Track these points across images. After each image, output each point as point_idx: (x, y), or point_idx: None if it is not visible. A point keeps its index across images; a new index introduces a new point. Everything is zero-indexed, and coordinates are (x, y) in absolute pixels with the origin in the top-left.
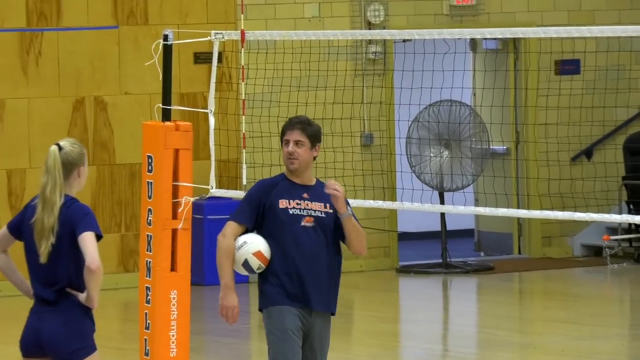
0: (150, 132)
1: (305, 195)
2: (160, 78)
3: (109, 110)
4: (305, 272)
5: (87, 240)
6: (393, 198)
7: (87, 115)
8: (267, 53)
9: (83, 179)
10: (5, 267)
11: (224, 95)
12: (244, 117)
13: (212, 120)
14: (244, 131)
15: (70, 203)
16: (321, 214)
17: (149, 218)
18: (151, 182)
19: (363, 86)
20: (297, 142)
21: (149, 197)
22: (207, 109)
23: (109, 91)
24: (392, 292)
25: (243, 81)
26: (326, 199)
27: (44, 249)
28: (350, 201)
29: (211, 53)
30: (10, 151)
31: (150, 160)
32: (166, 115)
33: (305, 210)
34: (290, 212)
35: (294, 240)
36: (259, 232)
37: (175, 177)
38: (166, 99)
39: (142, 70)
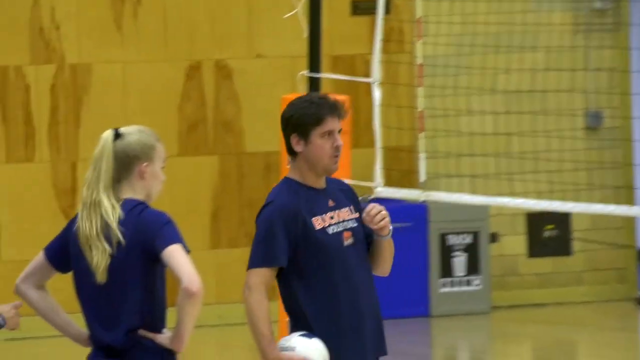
0: None
1: (330, 202)
2: (305, 35)
3: (235, 79)
4: (369, 316)
5: (177, 255)
6: (630, 201)
7: (204, 85)
8: (452, 0)
9: (151, 180)
10: (45, 307)
11: (392, 58)
12: (421, 89)
13: (377, 94)
14: (421, 108)
15: (140, 209)
16: (354, 222)
17: None
18: None
19: (586, 47)
20: (339, 132)
21: None
22: (369, 77)
23: (234, 53)
24: (630, 331)
25: (420, 40)
26: (345, 200)
27: (98, 262)
28: (572, 205)
29: (375, 1)
30: (99, 132)
31: None
32: (314, 86)
33: (341, 225)
34: (330, 232)
35: (345, 271)
36: (289, 277)
37: None
38: (313, 63)
39: (280, 25)
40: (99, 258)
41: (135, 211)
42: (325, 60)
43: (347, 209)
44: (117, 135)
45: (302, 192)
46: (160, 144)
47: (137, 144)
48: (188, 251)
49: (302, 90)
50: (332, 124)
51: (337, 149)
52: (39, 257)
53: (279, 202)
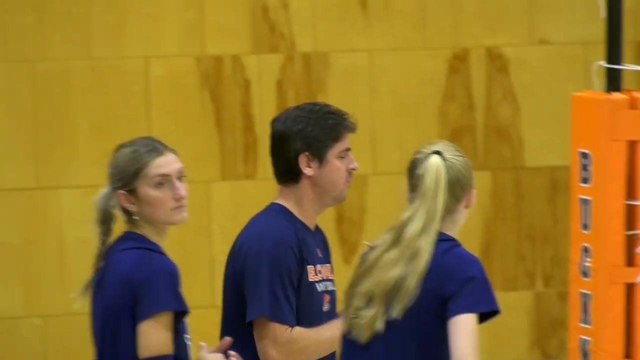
0: (584, 111)
1: (319, 252)
2: (603, 16)
3: (512, 73)
4: None
5: (467, 325)
6: None
7: (472, 81)
8: None
9: (467, 211)
10: None
11: None
12: None
13: None
14: None
15: (449, 247)
16: (332, 285)
17: (585, 264)
18: (587, 201)
19: None
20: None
21: (584, 228)
22: None
23: (511, 38)
24: None
25: None
26: (327, 253)
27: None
28: None
29: None
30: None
31: (585, 162)
32: (613, 82)
33: (323, 284)
34: (318, 289)
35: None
36: None
37: (632, 192)
38: (612, 51)
39: (569, 3)
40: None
41: (444, 250)
42: (627, 48)
43: (329, 265)
44: (442, 156)
45: (301, 229)
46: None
47: (464, 165)
48: (497, 311)
49: (598, 85)
50: (345, 140)
51: (351, 171)
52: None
53: (281, 234)
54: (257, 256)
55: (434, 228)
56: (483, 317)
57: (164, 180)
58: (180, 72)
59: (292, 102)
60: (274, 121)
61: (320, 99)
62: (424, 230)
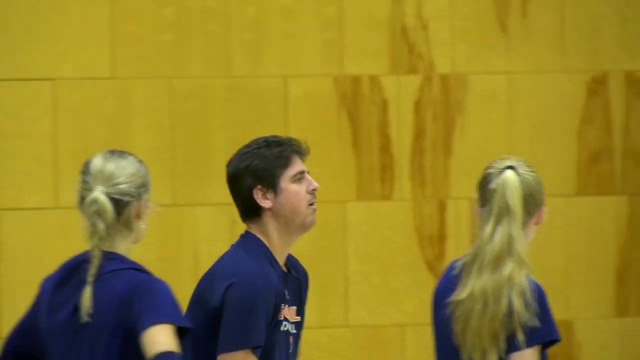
0: None
1: (286, 292)
2: None
3: None
4: None
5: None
6: None
7: (611, 104)
8: None
9: (536, 228)
10: None
11: None
12: None
13: None
14: None
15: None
16: (294, 328)
17: None
18: None
19: None
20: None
21: None
22: None
23: None
24: None
25: None
26: (298, 294)
27: None
28: None
29: None
30: (476, 163)
31: None
32: None
33: (288, 324)
34: (282, 328)
35: None
36: None
37: None
38: None
39: None
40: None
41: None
42: None
43: (294, 308)
44: (517, 171)
45: (274, 264)
46: None
47: (537, 181)
48: None
49: None
50: (300, 164)
51: (313, 193)
52: None
53: (263, 276)
54: (238, 299)
55: (516, 247)
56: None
57: None
58: (318, 91)
59: (429, 123)
60: (227, 164)
61: (458, 121)
62: (502, 253)
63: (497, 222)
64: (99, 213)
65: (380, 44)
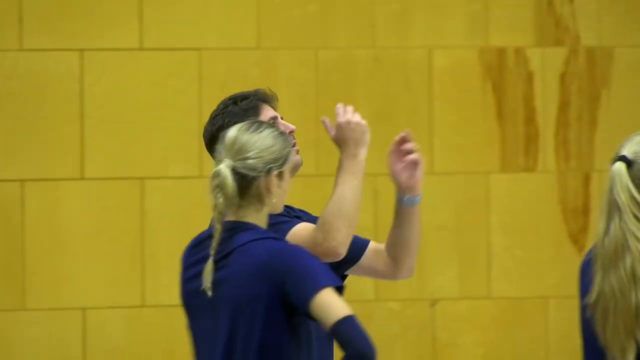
0: None
1: None
2: None
3: None
4: None
5: None
6: None
7: None
8: None
9: None
10: None
11: None
12: None
13: None
14: None
15: None
16: None
17: None
18: None
19: None
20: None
21: None
22: None
23: None
24: None
25: None
26: None
27: None
28: None
29: None
30: (621, 137)
31: None
32: None
33: None
34: None
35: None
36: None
37: None
38: None
39: None
40: None
41: None
42: None
43: None
44: (629, 162)
45: None
46: None
47: None
48: None
49: None
50: (270, 110)
51: (291, 135)
52: None
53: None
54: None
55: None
56: None
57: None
58: (463, 63)
59: (575, 96)
60: (203, 134)
61: (604, 94)
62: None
63: (610, 218)
64: (221, 186)
65: (525, 16)
